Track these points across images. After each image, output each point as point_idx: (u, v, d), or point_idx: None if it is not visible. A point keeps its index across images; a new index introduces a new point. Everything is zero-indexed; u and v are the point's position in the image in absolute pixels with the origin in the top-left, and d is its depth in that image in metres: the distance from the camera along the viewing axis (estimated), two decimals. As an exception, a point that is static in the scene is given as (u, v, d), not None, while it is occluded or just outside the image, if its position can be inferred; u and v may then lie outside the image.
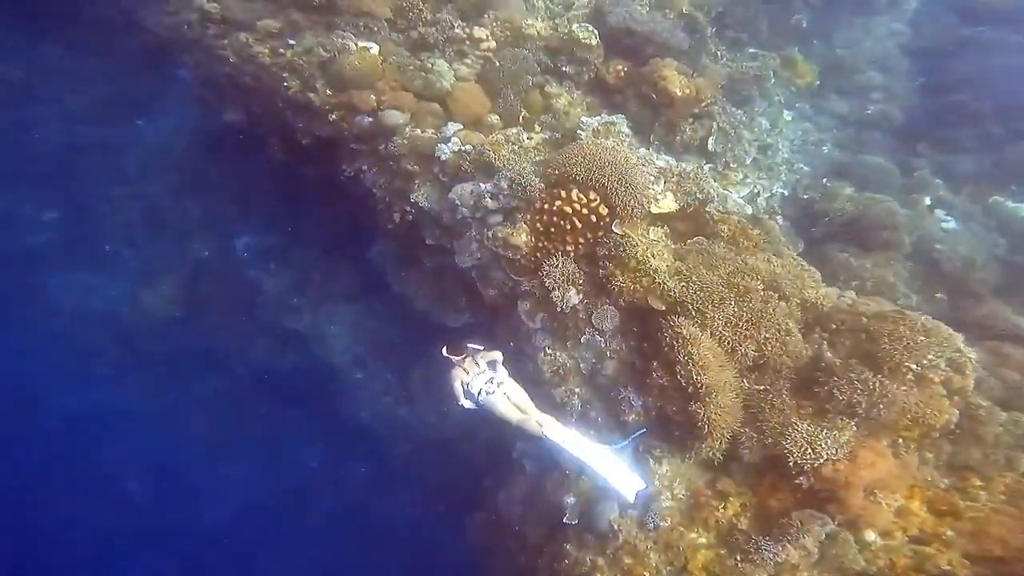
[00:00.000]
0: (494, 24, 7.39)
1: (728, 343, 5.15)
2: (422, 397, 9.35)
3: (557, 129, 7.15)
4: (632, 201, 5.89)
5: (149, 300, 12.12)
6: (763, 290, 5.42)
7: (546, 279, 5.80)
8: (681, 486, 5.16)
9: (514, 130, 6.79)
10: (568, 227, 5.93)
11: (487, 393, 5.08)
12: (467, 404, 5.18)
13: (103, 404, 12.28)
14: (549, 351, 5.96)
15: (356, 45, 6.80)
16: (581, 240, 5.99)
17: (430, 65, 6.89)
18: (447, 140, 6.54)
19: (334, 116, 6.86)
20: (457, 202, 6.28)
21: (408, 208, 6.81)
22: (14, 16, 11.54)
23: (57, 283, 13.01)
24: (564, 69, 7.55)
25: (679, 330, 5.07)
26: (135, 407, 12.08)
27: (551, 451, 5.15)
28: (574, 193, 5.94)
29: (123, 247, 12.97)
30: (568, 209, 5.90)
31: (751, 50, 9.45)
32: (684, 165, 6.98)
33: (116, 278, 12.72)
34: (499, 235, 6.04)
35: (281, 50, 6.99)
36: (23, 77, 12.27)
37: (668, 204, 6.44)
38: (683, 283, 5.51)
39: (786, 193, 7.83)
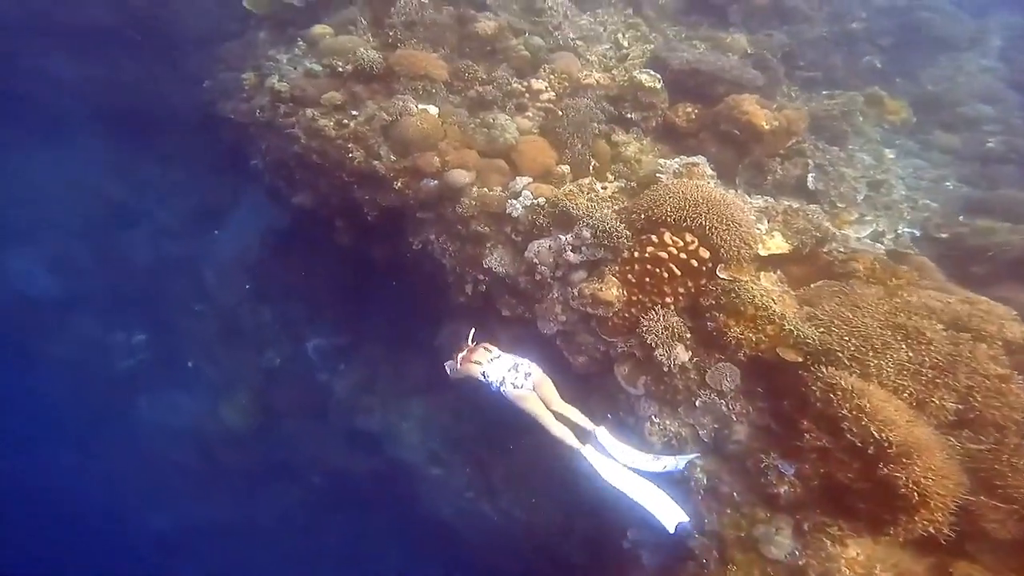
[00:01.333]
0: (551, 76, 6.95)
1: (911, 395, 3.89)
2: (507, 490, 8.14)
3: (631, 178, 6.38)
4: (737, 241, 4.91)
5: (228, 413, 12.03)
6: (945, 331, 4.21)
7: (646, 336, 4.75)
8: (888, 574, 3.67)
9: (586, 180, 6.06)
10: (665, 275, 4.94)
11: (514, 386, 4.60)
12: (490, 379, 4.65)
13: (188, 520, 12.08)
14: (657, 419, 4.81)
15: (416, 107, 6.44)
16: (682, 289, 4.97)
17: (491, 120, 6.38)
18: (517, 195, 5.85)
19: (399, 183, 6.38)
20: (535, 260, 5.45)
21: (481, 276, 6.04)
22: (120, 135, 12.24)
23: (145, 403, 13.12)
24: (629, 116, 6.91)
25: (834, 381, 3.83)
26: (218, 521, 11.78)
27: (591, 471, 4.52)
28: (667, 236, 5.01)
29: (203, 362, 12.93)
30: (663, 255, 4.93)
31: (825, 91, 8.61)
32: (788, 203, 5.95)
33: (197, 394, 12.68)
34: (586, 292, 5.09)
35: (345, 121, 6.74)
36: (123, 195, 12.75)
37: (778, 244, 5.40)
38: (823, 329, 4.35)
39: (917, 233, 6.60)
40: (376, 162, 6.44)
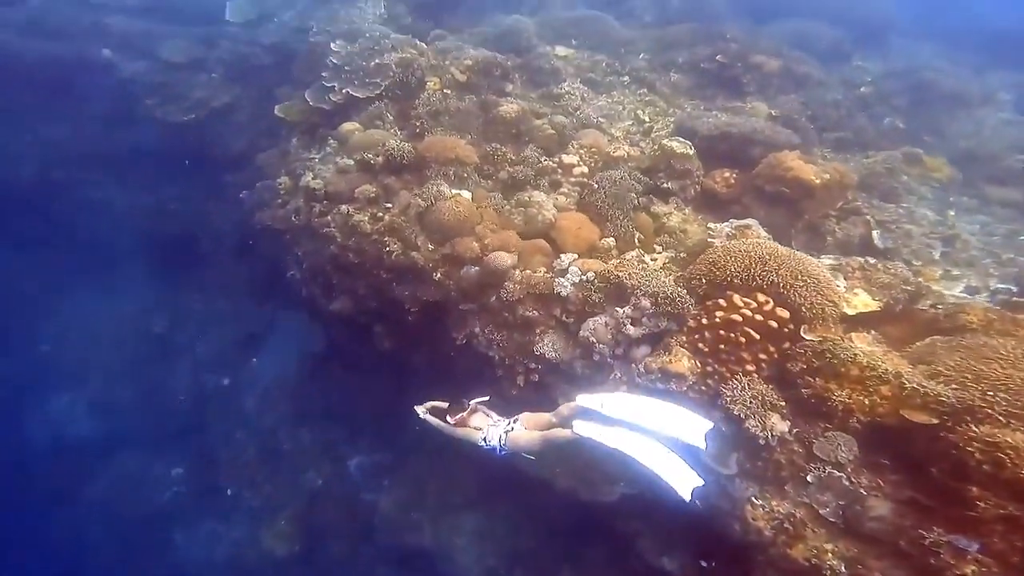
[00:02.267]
0: (581, 151, 6.76)
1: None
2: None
3: (680, 247, 5.94)
4: (818, 298, 4.41)
5: (269, 539, 11.13)
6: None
7: (732, 407, 4.12)
8: None
9: (633, 253, 5.62)
10: (742, 340, 4.36)
11: (507, 433, 4.47)
12: (491, 443, 4.48)
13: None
14: (759, 500, 4.03)
15: (450, 191, 6.22)
16: (763, 355, 4.36)
17: (527, 199, 6.11)
18: (564, 273, 5.42)
19: (439, 274, 6.03)
20: (592, 340, 4.92)
21: (533, 365, 5.49)
22: (164, 266, 12.43)
23: (184, 536, 12.31)
24: (666, 186, 6.58)
25: (999, 440, 3.13)
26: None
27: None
28: (737, 299, 4.47)
29: (243, 488, 12.24)
30: (736, 318, 4.38)
31: (857, 152, 8.29)
32: (864, 259, 5.41)
33: (238, 522, 11.88)
34: (653, 366, 4.51)
35: (379, 214, 6.53)
36: (164, 329, 12.73)
37: (865, 302, 4.81)
38: (956, 385, 3.69)
39: (1013, 288, 5.96)
40: (414, 253, 6.14)
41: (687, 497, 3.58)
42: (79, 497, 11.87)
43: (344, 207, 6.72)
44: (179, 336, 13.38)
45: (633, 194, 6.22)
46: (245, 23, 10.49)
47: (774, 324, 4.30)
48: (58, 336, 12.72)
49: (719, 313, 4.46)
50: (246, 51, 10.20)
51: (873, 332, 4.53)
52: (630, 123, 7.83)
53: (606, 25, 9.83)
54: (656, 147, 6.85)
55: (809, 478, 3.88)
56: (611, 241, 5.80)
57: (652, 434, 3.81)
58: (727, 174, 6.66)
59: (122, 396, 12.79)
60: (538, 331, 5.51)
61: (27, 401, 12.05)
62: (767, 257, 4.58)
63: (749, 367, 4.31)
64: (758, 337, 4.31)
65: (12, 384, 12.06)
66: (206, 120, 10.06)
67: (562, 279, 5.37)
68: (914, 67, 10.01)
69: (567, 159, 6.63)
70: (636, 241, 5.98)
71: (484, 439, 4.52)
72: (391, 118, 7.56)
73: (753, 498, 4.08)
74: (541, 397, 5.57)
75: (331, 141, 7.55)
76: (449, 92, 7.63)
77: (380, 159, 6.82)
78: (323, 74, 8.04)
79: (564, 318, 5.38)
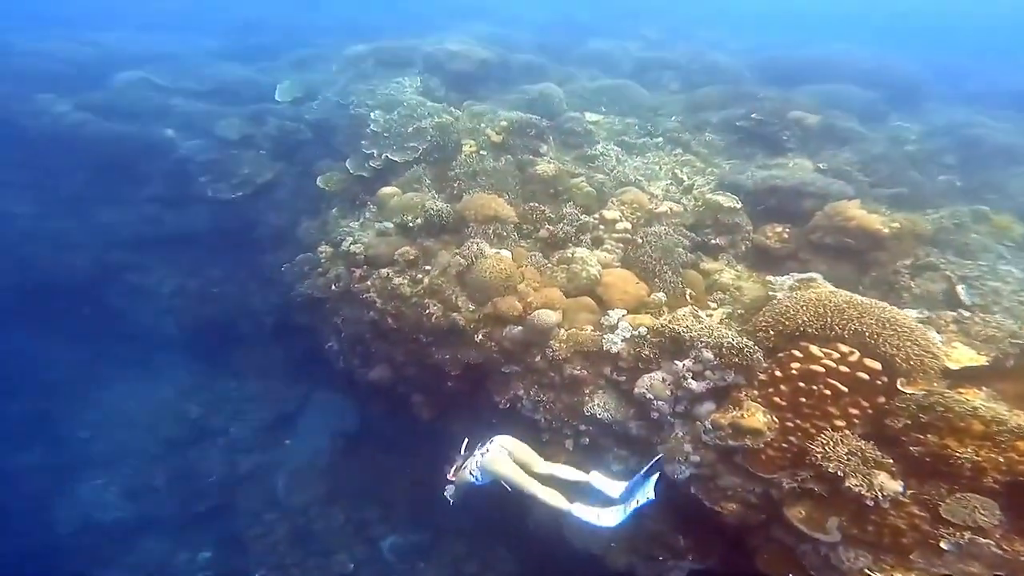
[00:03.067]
0: (622, 207, 6.49)
1: None
2: None
3: (736, 304, 5.42)
4: (914, 348, 3.89)
5: None
6: None
7: (826, 465, 3.50)
8: None
9: (686, 309, 5.14)
10: (827, 393, 3.82)
11: (483, 455, 4.61)
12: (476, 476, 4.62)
13: None
14: (876, 573, 3.33)
15: (490, 250, 5.95)
16: (854, 410, 3.79)
17: (570, 255, 5.78)
18: (614, 329, 4.98)
19: (480, 335, 5.67)
20: (648, 397, 4.42)
21: (583, 427, 4.97)
22: (201, 350, 12.45)
23: None
24: (714, 242, 6.23)
25: None
26: None
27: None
28: (815, 349, 3.93)
29: (271, 572, 11.47)
30: (817, 369, 3.85)
31: (916, 208, 7.80)
32: (958, 311, 4.86)
33: None
34: (722, 422, 3.98)
35: (419, 276, 6.30)
36: (199, 413, 12.48)
37: (969, 356, 4.18)
38: None
39: None
40: (455, 314, 5.82)
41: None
42: None
43: (384, 270, 6.53)
44: (214, 420, 13.14)
45: (681, 249, 5.88)
46: (292, 101, 10.92)
47: (864, 376, 3.76)
48: (97, 423, 12.59)
49: (795, 364, 3.95)
50: (291, 127, 10.50)
51: (985, 389, 3.90)
52: (668, 182, 7.61)
53: (634, 92, 9.93)
54: (699, 203, 6.58)
55: (944, 545, 3.17)
56: (661, 296, 5.40)
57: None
58: (779, 228, 6.28)
59: (154, 480, 12.40)
60: (587, 391, 5.05)
61: (63, 489, 11.74)
62: (844, 306, 4.10)
63: (838, 422, 3.73)
64: (845, 390, 3.76)
65: (51, 472, 11.90)
66: (252, 198, 10.26)
67: (611, 336, 4.95)
68: (957, 123, 9.62)
69: (609, 214, 6.38)
70: (688, 297, 5.55)
71: (471, 474, 4.66)
72: (429, 181, 7.54)
73: (867, 570, 3.38)
74: (592, 460, 4.99)
75: (370, 206, 7.52)
76: (484, 153, 7.59)
77: (419, 221, 6.71)
78: (362, 143, 8.16)
79: (615, 376, 4.93)
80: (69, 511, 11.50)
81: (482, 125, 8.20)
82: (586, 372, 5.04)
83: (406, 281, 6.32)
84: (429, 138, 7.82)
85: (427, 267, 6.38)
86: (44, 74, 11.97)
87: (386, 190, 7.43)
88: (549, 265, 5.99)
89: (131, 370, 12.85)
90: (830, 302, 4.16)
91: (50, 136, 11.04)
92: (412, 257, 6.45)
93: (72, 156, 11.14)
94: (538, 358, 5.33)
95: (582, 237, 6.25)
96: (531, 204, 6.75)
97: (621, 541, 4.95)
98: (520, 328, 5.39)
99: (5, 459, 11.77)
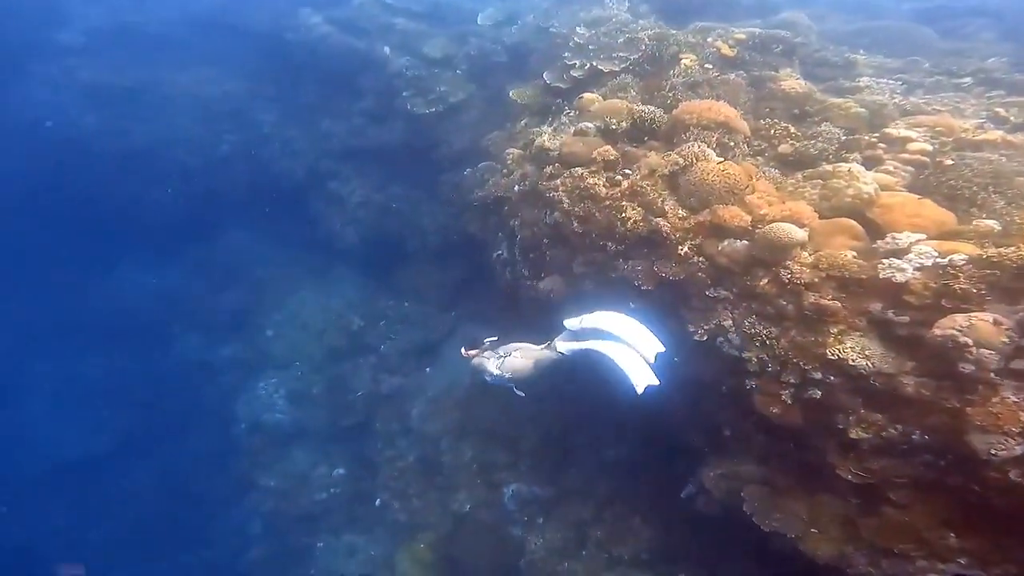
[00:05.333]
0: (918, 129, 4.88)
1: None
2: None
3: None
4: None
5: (404, 564, 9.85)
6: None
7: None
8: None
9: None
10: None
11: (503, 359, 5.03)
12: (495, 373, 5.06)
13: None
14: None
15: (714, 154, 4.73)
16: None
17: (830, 169, 4.38)
18: (900, 254, 3.48)
19: (686, 247, 4.53)
20: (961, 342, 2.96)
21: (819, 375, 3.60)
22: (371, 265, 12.85)
23: (324, 546, 11.64)
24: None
25: None
26: None
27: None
28: None
29: (393, 500, 11.28)
30: None
31: None
32: None
33: (378, 538, 10.92)
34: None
35: (618, 178, 5.29)
36: (360, 326, 12.75)
37: None
38: None
39: None
40: (659, 220, 4.71)
41: (640, 391, 4.06)
42: (255, 486, 11.88)
43: (578, 170, 5.60)
44: (369, 336, 13.43)
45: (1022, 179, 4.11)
46: (493, 25, 10.64)
47: None
48: (280, 324, 13.43)
49: None
50: (489, 48, 10.23)
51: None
52: (982, 120, 5.66)
53: (918, 34, 7.80)
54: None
55: None
56: (992, 224, 3.73)
57: (621, 340, 4.29)
58: None
59: (312, 387, 12.96)
60: (836, 329, 3.60)
61: (246, 385, 12.65)
62: None
63: None
64: None
65: (241, 367, 12.92)
66: (441, 115, 10.14)
67: (895, 261, 3.46)
68: None
69: (898, 132, 4.83)
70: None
71: (490, 377, 5.11)
72: (635, 93, 6.47)
73: None
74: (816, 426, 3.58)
75: (567, 112, 6.66)
76: (710, 67, 6.33)
77: (624, 124, 5.69)
78: (564, 55, 7.34)
79: (889, 315, 3.44)
80: (246, 408, 12.36)
81: (709, 39, 6.93)
82: (840, 304, 3.63)
83: (601, 181, 5.34)
84: (644, 47, 6.78)
85: (627, 171, 5.34)
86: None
87: (588, 96, 6.52)
88: (791, 182, 4.63)
89: (314, 275, 13.58)
90: None
91: (301, 47, 12.03)
92: (612, 157, 5.45)
93: (314, 67, 12.07)
94: (764, 281, 4.02)
95: (847, 156, 4.76)
96: (768, 120, 5.41)
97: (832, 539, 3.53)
98: (745, 242, 4.12)
99: (213, 351, 13.16)
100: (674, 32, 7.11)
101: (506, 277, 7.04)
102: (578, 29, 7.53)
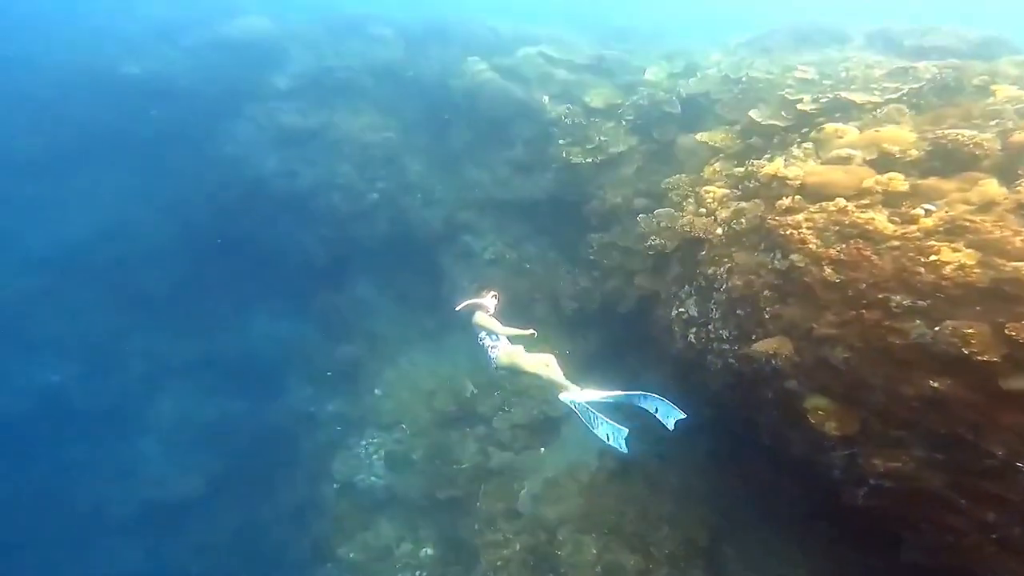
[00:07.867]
0: None
1: None
2: None
3: None
4: None
5: None
6: None
7: None
8: None
9: None
10: None
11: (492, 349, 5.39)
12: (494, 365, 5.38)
13: None
14: None
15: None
16: None
17: None
18: None
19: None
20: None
21: None
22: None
23: None
24: None
25: None
26: None
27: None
28: None
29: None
30: None
31: None
32: None
33: None
34: None
35: (917, 212, 4.05)
36: (474, 392, 11.79)
37: None
38: None
39: None
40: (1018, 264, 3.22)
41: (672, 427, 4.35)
42: (333, 557, 10.79)
43: (841, 201, 4.35)
44: (482, 405, 12.28)
45: None
46: (667, 77, 10.09)
47: None
48: (390, 383, 12.67)
49: None
50: (661, 98, 9.45)
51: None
52: None
53: None
54: None
55: None
56: None
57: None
58: None
59: (414, 452, 11.91)
60: None
61: (347, 442, 11.89)
62: None
63: None
64: None
65: (344, 423, 12.16)
66: (597, 167, 9.35)
67: None
68: None
69: None
70: None
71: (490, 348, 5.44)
72: (909, 125, 5.18)
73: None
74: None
75: (799, 145, 5.43)
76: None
77: (916, 152, 4.54)
78: (786, 89, 6.30)
79: None
80: (341, 467, 11.55)
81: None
82: None
83: (883, 217, 4.02)
84: (926, 79, 5.72)
85: (927, 206, 4.01)
86: (474, 42, 13.52)
87: (832, 126, 5.50)
88: None
89: (432, 335, 12.78)
90: None
91: (461, 92, 12.02)
92: (902, 189, 4.15)
93: (469, 112, 11.95)
94: None
95: None
96: None
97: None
98: None
99: (319, 403, 12.51)
100: (976, 63, 6.03)
101: (688, 340, 5.60)
102: (801, 66, 6.58)
